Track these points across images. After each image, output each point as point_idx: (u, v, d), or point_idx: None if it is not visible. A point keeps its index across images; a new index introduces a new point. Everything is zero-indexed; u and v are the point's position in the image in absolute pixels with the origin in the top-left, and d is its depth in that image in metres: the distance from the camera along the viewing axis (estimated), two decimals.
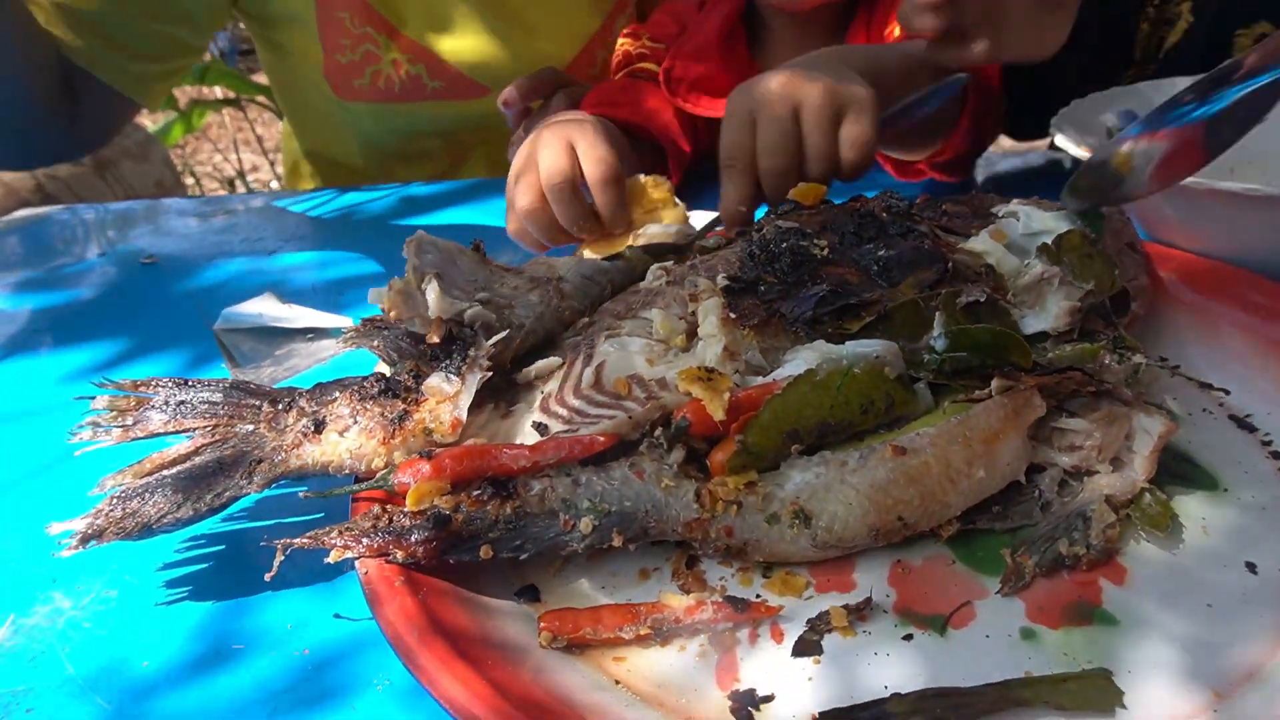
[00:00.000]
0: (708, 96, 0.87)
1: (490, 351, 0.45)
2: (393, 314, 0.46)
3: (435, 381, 0.44)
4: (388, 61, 1.06)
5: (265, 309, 0.74)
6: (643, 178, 0.69)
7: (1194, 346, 0.54)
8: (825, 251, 0.49)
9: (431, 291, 0.45)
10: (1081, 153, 0.60)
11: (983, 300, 0.45)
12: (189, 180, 3.35)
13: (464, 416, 0.43)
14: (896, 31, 0.91)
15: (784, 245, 0.49)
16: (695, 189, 0.94)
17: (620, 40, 0.98)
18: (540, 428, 0.44)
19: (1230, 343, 0.53)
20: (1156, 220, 0.60)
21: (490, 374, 0.44)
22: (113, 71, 0.92)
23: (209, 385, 0.49)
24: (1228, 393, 0.50)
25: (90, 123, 0.97)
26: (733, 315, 0.45)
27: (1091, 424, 0.42)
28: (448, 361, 0.45)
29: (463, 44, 1.06)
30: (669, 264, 0.53)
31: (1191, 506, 0.43)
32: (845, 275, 0.48)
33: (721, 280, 0.47)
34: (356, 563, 0.39)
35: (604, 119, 0.77)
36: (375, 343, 0.49)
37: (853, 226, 0.51)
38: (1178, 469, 0.45)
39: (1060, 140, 0.63)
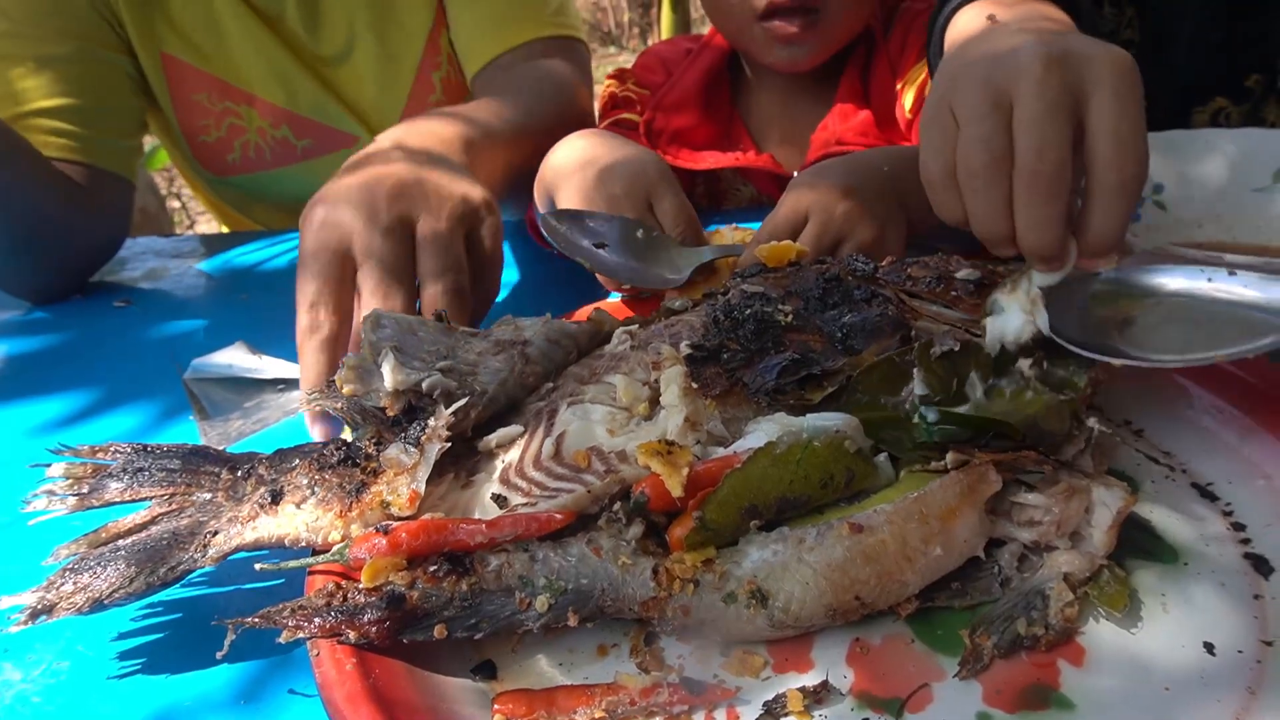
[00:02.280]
0: (688, 149, 0.88)
1: (449, 421, 0.44)
2: (348, 390, 0.46)
3: (393, 453, 0.44)
4: (254, 130, 1.09)
5: (235, 359, 0.73)
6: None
7: (1158, 412, 0.54)
8: (789, 318, 0.49)
9: (387, 365, 0.45)
10: None
11: (956, 349, 0.45)
12: (174, 204, 3.35)
13: (422, 490, 0.42)
14: (898, 86, 0.92)
15: (748, 311, 0.49)
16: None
17: (606, 82, 0.99)
18: (499, 500, 0.44)
19: (1194, 409, 0.53)
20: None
21: (449, 444, 0.44)
22: (109, 155, 0.95)
23: (168, 452, 0.48)
24: (1184, 470, 0.50)
25: (105, 221, 0.98)
26: (695, 385, 0.45)
27: (1049, 499, 0.42)
28: (407, 432, 0.45)
29: (313, 98, 1.09)
30: (634, 328, 0.53)
31: (1151, 581, 0.43)
32: (809, 342, 0.48)
33: (685, 348, 0.47)
34: (308, 642, 0.39)
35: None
36: (339, 404, 0.49)
37: (818, 291, 0.51)
38: (1139, 540, 0.45)
39: None
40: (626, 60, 8.03)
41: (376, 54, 1.07)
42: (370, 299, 0.57)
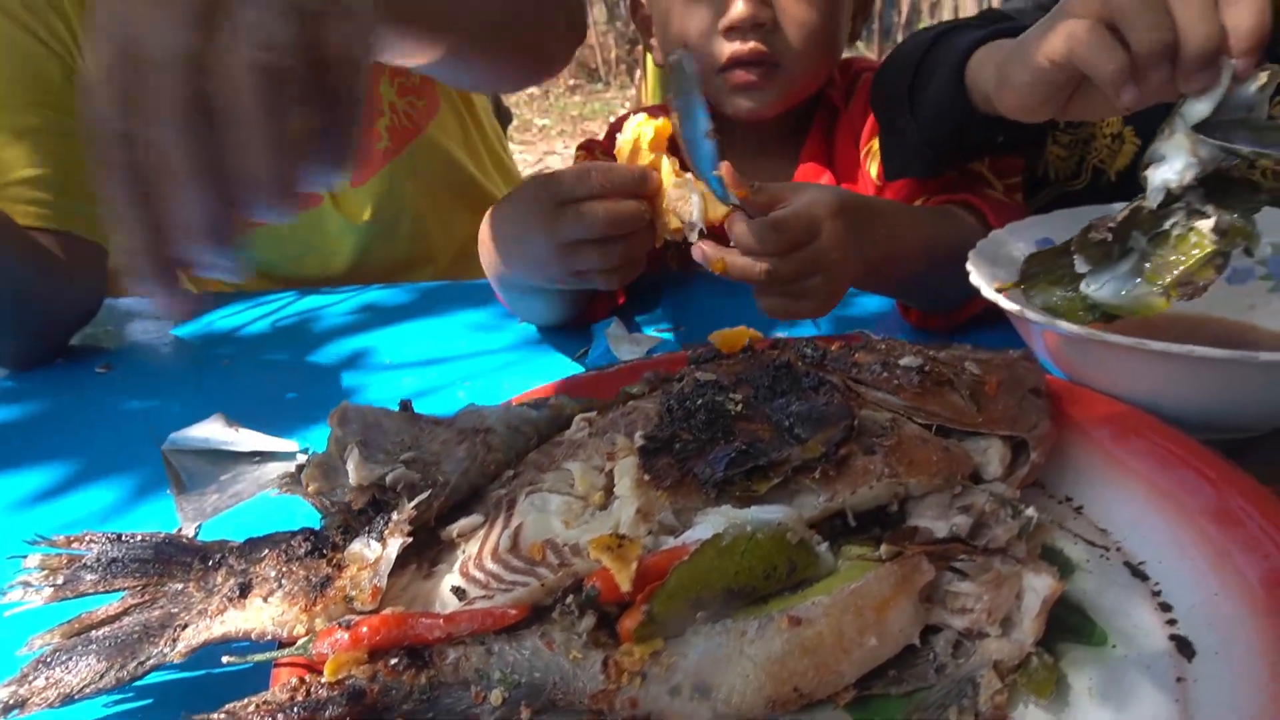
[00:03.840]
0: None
1: (412, 515, 0.46)
2: (313, 489, 0.48)
3: (357, 547, 0.46)
4: None
5: (212, 433, 0.75)
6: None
7: (1097, 487, 0.57)
8: (739, 406, 0.52)
9: (352, 461, 0.47)
10: (991, 292, 0.64)
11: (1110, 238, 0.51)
12: None
13: (384, 584, 0.44)
14: (861, 152, 0.96)
15: (700, 401, 0.51)
16: (645, 304, 0.97)
17: (577, 153, 1.02)
18: (458, 592, 0.45)
19: (1130, 486, 0.55)
20: (1071, 362, 0.63)
21: (411, 539, 0.46)
22: (84, 223, 0.98)
23: (141, 542, 0.50)
24: (1118, 548, 0.53)
25: (82, 287, 1.00)
26: (647, 477, 0.47)
27: (980, 587, 0.44)
28: (370, 525, 0.47)
29: None
30: (592, 414, 0.56)
31: (1080, 665, 0.45)
32: (757, 431, 0.50)
33: (639, 438, 0.50)
34: None
35: None
36: (310, 488, 0.51)
37: (767, 379, 0.54)
38: (1070, 623, 0.47)
39: (973, 278, 0.66)
40: (613, 96, 8.14)
41: None
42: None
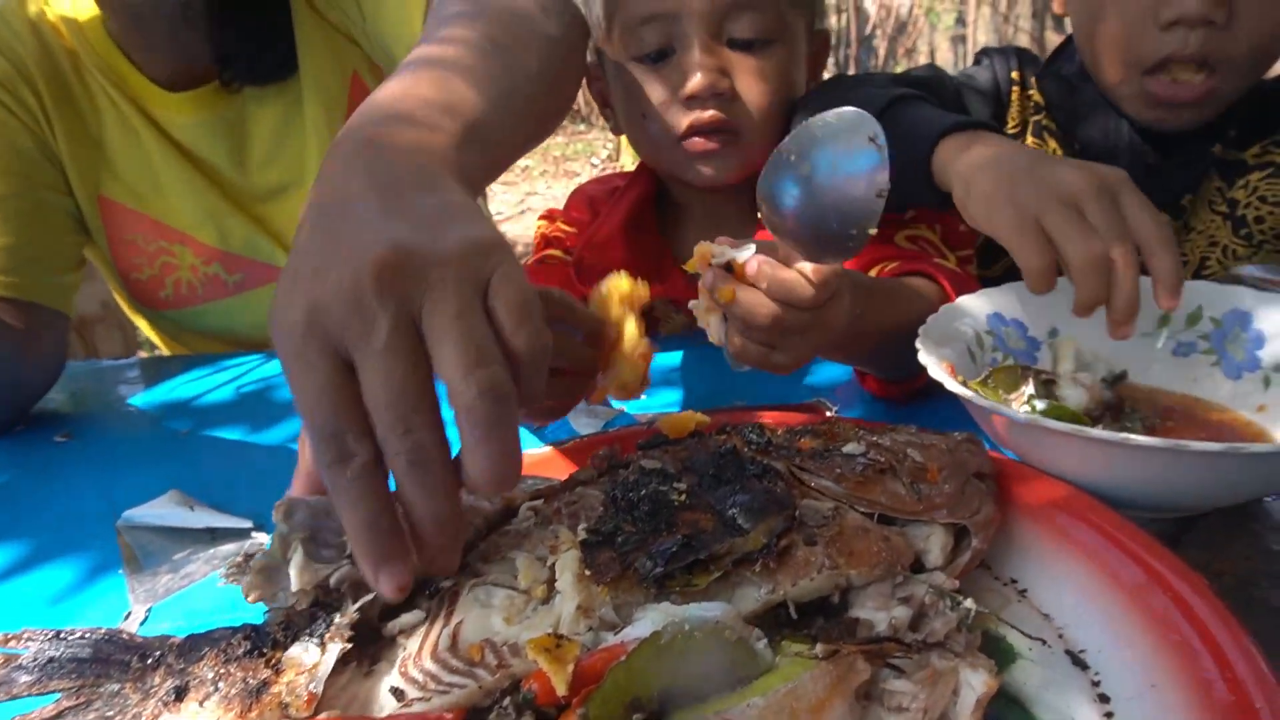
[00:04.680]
0: None
1: (354, 619, 0.46)
2: (253, 598, 0.48)
3: (295, 651, 0.46)
4: (185, 268, 1.14)
5: (167, 509, 0.75)
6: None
7: (1041, 570, 0.57)
8: (683, 496, 0.52)
9: (294, 565, 0.47)
10: (939, 372, 0.65)
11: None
12: None
13: (320, 691, 0.44)
14: None
15: (643, 491, 0.52)
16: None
17: (538, 222, 1.03)
18: (397, 693, 0.45)
19: (1073, 570, 0.56)
20: (1019, 445, 0.64)
21: (351, 644, 0.46)
22: (47, 292, 0.98)
23: (80, 639, 0.50)
24: (1060, 635, 0.53)
25: (42, 357, 1.00)
26: (588, 572, 0.48)
27: (916, 685, 0.45)
28: (312, 628, 0.47)
29: (244, 235, 1.13)
30: (539, 503, 0.56)
31: None
32: (700, 522, 0.51)
33: (581, 531, 0.50)
34: None
35: None
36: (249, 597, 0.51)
37: (712, 466, 0.54)
38: (1009, 716, 0.48)
39: (922, 356, 0.67)
40: (596, 137, 8.23)
41: (298, 198, 1.12)
42: (389, 435, 0.41)
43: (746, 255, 0.61)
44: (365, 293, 0.42)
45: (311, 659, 0.45)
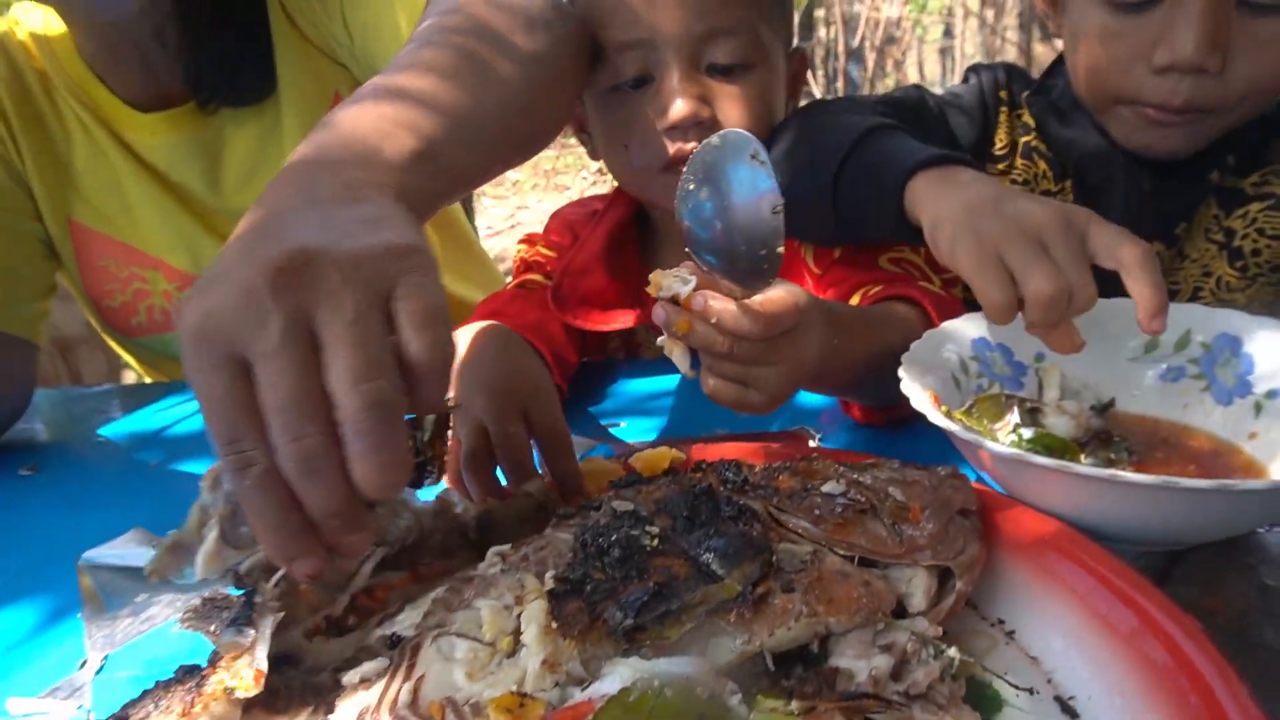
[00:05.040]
0: (598, 310, 0.90)
1: (275, 593, 0.44)
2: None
3: (228, 638, 0.44)
4: (158, 293, 1.11)
5: (129, 549, 0.72)
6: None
7: (1029, 610, 0.55)
8: (656, 541, 0.50)
9: (201, 553, 0.45)
10: (925, 404, 0.63)
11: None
12: None
13: (265, 667, 0.42)
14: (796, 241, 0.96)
15: (614, 537, 0.50)
16: (592, 394, 0.96)
17: (518, 246, 1.01)
18: None
19: (1061, 611, 0.54)
20: (1005, 479, 0.62)
21: (283, 612, 0.44)
22: (17, 321, 0.96)
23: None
24: (1049, 680, 0.51)
25: (10, 387, 0.98)
26: (555, 624, 0.46)
27: None
28: (235, 613, 0.45)
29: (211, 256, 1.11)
30: (506, 548, 0.54)
31: None
32: (673, 568, 0.49)
33: (549, 580, 0.48)
34: None
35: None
36: (213, 628, 0.49)
37: (686, 508, 0.52)
38: None
39: (905, 385, 0.65)
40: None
41: None
42: (279, 441, 0.41)
43: (689, 290, 0.58)
44: (260, 295, 0.41)
45: (247, 639, 0.43)
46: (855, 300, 0.86)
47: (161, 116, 1.05)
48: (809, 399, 0.90)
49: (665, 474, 0.58)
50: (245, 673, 0.42)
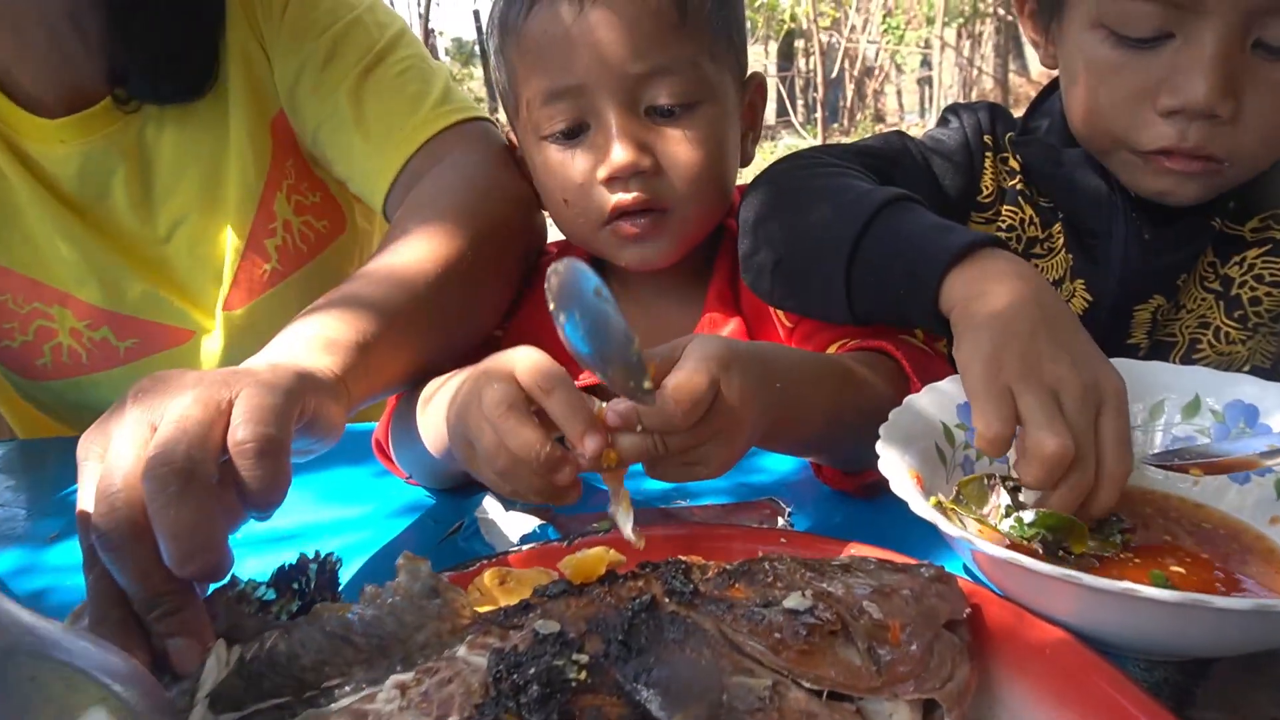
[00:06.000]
0: None
1: None
2: None
3: None
4: (66, 332, 0.99)
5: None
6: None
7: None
8: (584, 674, 0.41)
9: None
10: (908, 488, 0.55)
11: None
12: None
13: None
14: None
15: (533, 670, 0.41)
16: None
17: None
18: None
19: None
20: (999, 579, 0.54)
21: None
22: None
23: None
24: None
25: None
26: None
27: None
28: None
29: (139, 292, 0.99)
30: (408, 677, 0.45)
31: None
32: (604, 709, 0.40)
33: None
34: None
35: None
36: None
37: (623, 627, 0.44)
38: None
39: (882, 464, 0.57)
40: None
41: (205, 229, 0.99)
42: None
43: (598, 408, 0.54)
44: (123, 401, 0.52)
45: None
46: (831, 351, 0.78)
47: (70, 120, 0.93)
48: (779, 464, 0.82)
49: (601, 581, 0.49)
50: None
